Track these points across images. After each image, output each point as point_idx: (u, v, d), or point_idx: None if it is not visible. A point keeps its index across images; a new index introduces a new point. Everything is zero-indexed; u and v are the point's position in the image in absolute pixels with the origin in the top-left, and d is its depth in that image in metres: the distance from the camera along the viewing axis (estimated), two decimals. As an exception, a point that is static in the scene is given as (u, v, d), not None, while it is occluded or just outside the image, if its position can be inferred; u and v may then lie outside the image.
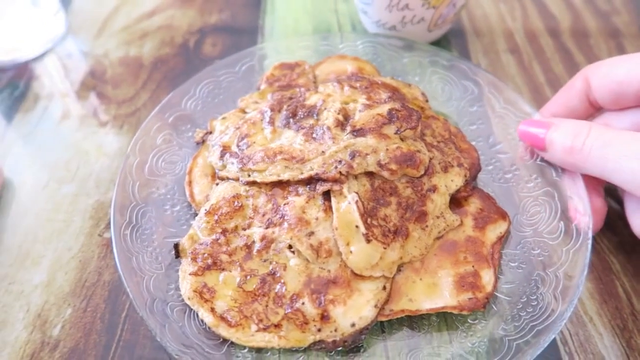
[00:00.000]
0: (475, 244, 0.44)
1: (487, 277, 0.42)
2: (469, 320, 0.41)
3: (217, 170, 0.48)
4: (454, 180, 0.46)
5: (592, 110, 0.47)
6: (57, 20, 0.68)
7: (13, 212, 0.51)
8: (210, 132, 0.52)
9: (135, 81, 0.62)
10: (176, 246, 0.43)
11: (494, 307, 0.42)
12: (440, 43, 0.68)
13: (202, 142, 0.52)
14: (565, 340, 0.43)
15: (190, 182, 0.49)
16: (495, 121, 0.54)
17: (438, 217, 0.44)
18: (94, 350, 0.43)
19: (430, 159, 0.45)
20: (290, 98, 0.51)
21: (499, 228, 0.45)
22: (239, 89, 0.57)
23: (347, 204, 0.41)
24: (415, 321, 0.42)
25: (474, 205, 0.46)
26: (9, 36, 0.62)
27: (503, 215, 0.46)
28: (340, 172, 0.42)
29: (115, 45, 0.67)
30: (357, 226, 0.40)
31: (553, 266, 0.42)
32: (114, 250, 0.42)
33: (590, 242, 0.42)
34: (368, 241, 0.40)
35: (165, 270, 0.43)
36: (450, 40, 0.68)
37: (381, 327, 0.41)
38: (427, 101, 0.54)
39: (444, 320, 0.41)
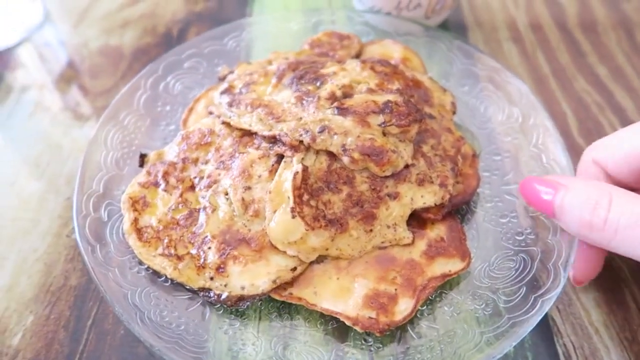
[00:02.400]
0: (414, 269, 0.39)
1: (403, 306, 0.37)
2: (364, 339, 0.38)
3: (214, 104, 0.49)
4: (423, 197, 0.41)
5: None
6: (34, 8, 0.66)
7: (-25, 211, 0.49)
8: (233, 72, 0.53)
9: (115, 72, 0.61)
10: (142, 156, 0.46)
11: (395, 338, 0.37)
12: (439, 32, 0.60)
13: (224, 78, 0.53)
14: (568, 355, 0.39)
15: (191, 109, 0.51)
16: (523, 160, 0.47)
17: (389, 227, 0.40)
18: (56, 361, 0.40)
19: (408, 165, 0.41)
20: (313, 62, 0.50)
21: (451, 266, 0.40)
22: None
23: (289, 173, 0.39)
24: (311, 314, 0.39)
25: (437, 232, 0.41)
26: None
27: (463, 256, 0.40)
28: (300, 141, 0.40)
29: (95, 34, 0.66)
30: (288, 197, 0.39)
31: (484, 329, 0.36)
32: (74, 213, 0.41)
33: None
34: (292, 216, 0.38)
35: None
36: (449, 28, 0.62)
37: (278, 309, 0.40)
38: (454, 112, 0.49)
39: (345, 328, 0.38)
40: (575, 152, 0.47)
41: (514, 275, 0.39)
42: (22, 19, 0.65)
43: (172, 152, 0.46)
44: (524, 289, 0.38)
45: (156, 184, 0.44)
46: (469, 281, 0.40)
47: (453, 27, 0.63)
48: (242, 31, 0.58)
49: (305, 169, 0.39)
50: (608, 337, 0.39)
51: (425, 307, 0.39)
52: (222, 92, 0.48)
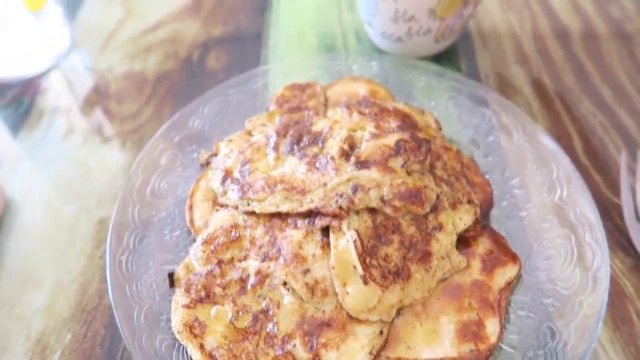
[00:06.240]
0: (482, 288, 0.41)
1: (492, 327, 0.39)
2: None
3: (218, 196, 0.46)
4: (462, 219, 0.43)
5: None
6: (61, 35, 0.67)
7: (16, 233, 0.50)
8: (215, 154, 0.51)
9: (139, 96, 0.62)
10: (170, 275, 0.42)
11: None
12: (448, 54, 0.65)
13: (207, 164, 0.51)
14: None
15: (191, 207, 0.48)
16: (512, 153, 0.51)
17: (443, 258, 0.42)
18: (94, 377, 0.41)
19: (438, 195, 0.43)
20: (297, 122, 0.49)
21: (509, 272, 0.42)
22: (248, 109, 0.56)
23: (346, 243, 0.39)
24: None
25: (482, 245, 0.44)
26: (14, 52, 0.62)
27: (514, 258, 0.43)
28: (340, 207, 0.40)
29: (120, 59, 0.67)
30: (354, 266, 0.38)
31: (565, 318, 0.40)
32: (108, 279, 0.41)
33: (606, 295, 0.39)
34: (365, 283, 0.38)
35: (159, 299, 0.42)
36: (458, 51, 0.66)
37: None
38: (440, 129, 0.52)
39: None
40: (582, 172, 0.51)
41: (561, 255, 0.43)
42: (51, 46, 0.65)
43: (199, 259, 0.43)
44: (577, 270, 0.42)
45: (202, 300, 0.41)
46: (525, 279, 0.43)
47: (462, 50, 0.66)
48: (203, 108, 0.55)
49: (357, 233, 0.39)
50: (614, 352, 0.42)
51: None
52: (224, 181, 0.46)
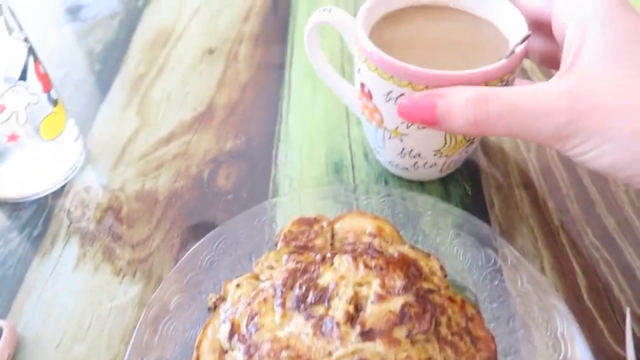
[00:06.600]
0: None
1: None
2: None
3: (224, 350, 0.47)
4: (466, 387, 0.44)
5: None
6: (76, 150, 0.68)
7: (26, 375, 0.51)
8: (223, 299, 0.51)
9: (150, 219, 0.63)
10: None
11: None
12: (454, 175, 0.66)
13: (214, 307, 0.52)
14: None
15: (197, 358, 0.48)
16: (518, 301, 0.51)
17: None
18: None
19: (443, 364, 0.43)
20: (305, 271, 0.50)
21: None
22: (257, 243, 0.57)
23: None
24: None
25: (487, 415, 0.44)
26: (27, 171, 0.63)
27: None
28: (345, 385, 0.41)
29: (133, 176, 0.68)
30: None
31: None
32: None
33: None
34: None
35: None
36: (463, 172, 0.67)
37: None
38: (445, 276, 0.52)
39: None
40: (587, 318, 0.52)
41: None
42: (65, 163, 0.66)
43: None
44: None
45: None
46: None
47: (466, 173, 0.67)
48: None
49: (362, 415, 0.40)
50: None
51: None
52: (230, 336, 0.47)
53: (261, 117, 0.75)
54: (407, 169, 0.62)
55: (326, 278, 0.49)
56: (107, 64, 0.85)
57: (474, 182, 0.66)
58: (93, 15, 0.96)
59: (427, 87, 0.47)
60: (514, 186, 0.65)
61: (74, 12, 0.97)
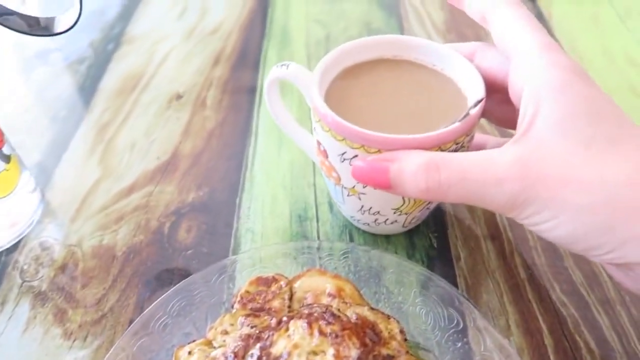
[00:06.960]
0: None
1: None
2: None
3: None
4: None
5: None
6: (32, 203, 0.65)
7: None
8: (174, 367, 0.49)
9: (105, 278, 0.60)
10: None
11: None
12: (419, 226, 0.65)
13: (169, 375, 0.49)
14: None
15: None
16: (481, 365, 0.50)
17: None
18: None
19: None
20: (258, 338, 0.48)
21: None
22: (213, 304, 0.55)
23: None
24: None
25: None
26: None
27: None
28: None
29: (91, 230, 0.65)
30: None
31: None
32: None
33: None
34: None
35: None
36: (429, 223, 0.65)
37: None
38: (405, 340, 0.50)
39: None
40: None
41: None
42: (20, 215, 0.63)
43: None
44: None
45: None
46: None
47: (432, 224, 0.65)
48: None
49: None
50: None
51: None
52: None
53: (226, 166, 0.74)
54: (368, 224, 0.61)
55: (279, 347, 0.47)
56: (73, 111, 0.84)
57: (439, 233, 0.65)
58: (62, 59, 0.95)
59: (379, 151, 0.46)
60: (480, 238, 0.64)
61: (43, 56, 0.96)
